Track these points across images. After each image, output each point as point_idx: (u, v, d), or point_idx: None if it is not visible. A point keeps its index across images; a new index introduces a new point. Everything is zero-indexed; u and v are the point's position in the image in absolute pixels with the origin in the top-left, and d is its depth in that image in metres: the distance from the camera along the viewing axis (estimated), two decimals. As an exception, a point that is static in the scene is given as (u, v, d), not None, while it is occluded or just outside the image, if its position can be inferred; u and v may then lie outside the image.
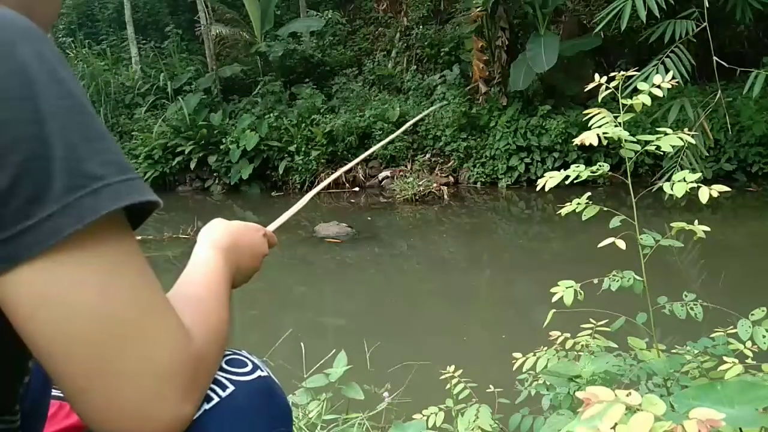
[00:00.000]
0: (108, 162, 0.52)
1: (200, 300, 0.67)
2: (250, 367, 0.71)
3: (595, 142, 1.27)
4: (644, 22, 5.52)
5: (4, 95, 0.48)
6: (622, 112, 1.35)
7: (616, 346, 1.54)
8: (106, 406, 0.52)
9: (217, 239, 0.81)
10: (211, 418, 0.63)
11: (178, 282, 0.71)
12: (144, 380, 0.53)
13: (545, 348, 1.59)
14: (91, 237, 0.50)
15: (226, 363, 0.70)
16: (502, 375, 1.84)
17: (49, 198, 0.48)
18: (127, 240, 0.54)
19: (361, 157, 1.64)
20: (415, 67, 10.55)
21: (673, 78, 1.37)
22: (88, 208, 0.49)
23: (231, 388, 0.67)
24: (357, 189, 9.32)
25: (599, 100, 1.48)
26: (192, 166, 9.89)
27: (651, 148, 1.31)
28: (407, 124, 1.93)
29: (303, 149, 9.42)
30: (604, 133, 1.29)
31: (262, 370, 0.72)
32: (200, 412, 0.62)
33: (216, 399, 0.65)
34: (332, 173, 9.38)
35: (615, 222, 1.39)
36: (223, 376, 0.68)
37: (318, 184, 9.39)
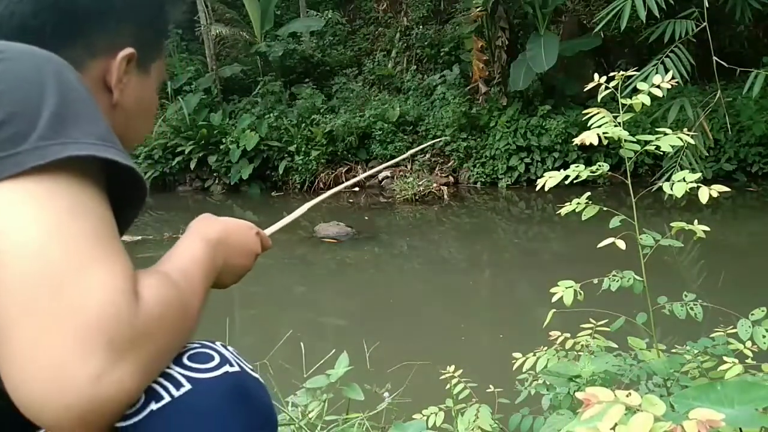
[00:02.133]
0: (89, 133, 0.58)
1: (168, 278, 0.61)
2: (216, 361, 0.63)
3: (595, 142, 1.27)
4: (644, 22, 5.52)
5: (21, 82, 0.57)
6: (621, 112, 1.35)
7: (616, 346, 1.54)
8: (26, 352, 0.49)
9: (206, 231, 0.77)
10: (157, 420, 0.56)
11: (158, 262, 0.67)
12: (67, 327, 0.50)
13: (545, 348, 1.59)
14: (52, 177, 0.54)
15: (189, 358, 0.62)
16: (502, 375, 1.84)
17: (25, 141, 0.54)
18: (90, 193, 0.57)
19: (369, 172, 1.64)
20: (415, 67, 10.55)
21: (673, 78, 1.37)
22: (54, 151, 0.54)
23: (187, 386, 0.59)
24: (357, 189, 9.31)
25: (599, 100, 1.48)
26: (192, 166, 9.88)
27: (651, 148, 1.31)
28: (416, 149, 1.93)
29: (303, 149, 9.42)
30: (603, 133, 1.29)
31: (231, 365, 0.64)
32: (146, 413, 0.56)
33: (167, 398, 0.58)
34: (332, 173, 9.41)
35: (615, 222, 1.39)
36: (179, 372, 0.60)
37: (318, 184, 9.41)
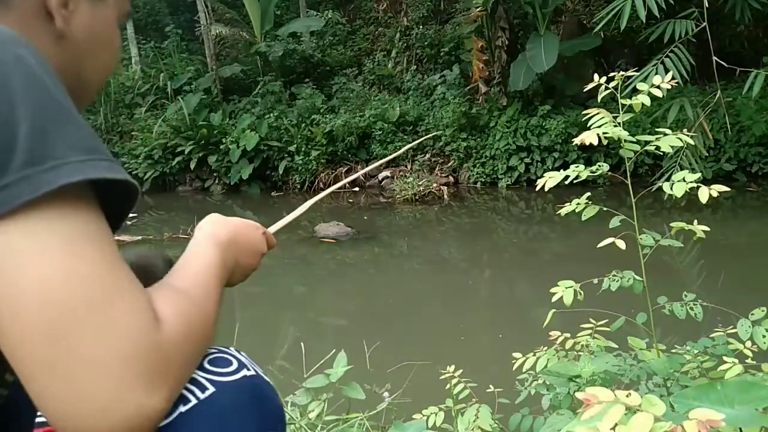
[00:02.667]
0: (75, 146, 0.52)
1: (183, 291, 0.62)
2: (234, 366, 0.67)
3: (595, 142, 1.27)
4: (644, 21, 5.52)
5: None
6: (621, 112, 1.35)
7: (616, 346, 1.53)
8: (65, 394, 0.49)
9: (216, 233, 0.76)
10: (186, 421, 0.59)
11: (169, 272, 0.67)
12: (103, 365, 0.49)
13: (545, 348, 1.59)
14: (48, 210, 0.49)
15: (209, 362, 0.65)
16: (502, 375, 1.84)
17: (8, 171, 0.48)
18: (90, 218, 0.53)
19: (371, 167, 1.64)
20: (415, 67, 10.55)
21: (673, 78, 1.37)
22: (45, 180, 0.49)
23: (211, 389, 0.62)
24: (357, 189, 9.32)
25: (599, 100, 1.48)
26: (192, 166, 9.89)
27: (650, 148, 1.31)
28: (405, 147, 1.92)
29: (303, 149, 9.42)
30: (603, 133, 1.29)
31: (248, 369, 0.67)
32: (175, 415, 0.58)
33: (193, 401, 0.60)
34: (332, 173, 9.41)
35: (615, 222, 1.39)
36: (202, 376, 0.63)
37: (318, 184, 9.41)
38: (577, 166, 1.39)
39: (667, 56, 5.23)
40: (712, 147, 6.85)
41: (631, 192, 1.41)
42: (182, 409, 0.59)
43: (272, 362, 2.25)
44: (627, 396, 0.62)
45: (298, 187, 9.48)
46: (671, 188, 1.26)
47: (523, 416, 1.56)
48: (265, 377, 0.70)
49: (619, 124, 1.33)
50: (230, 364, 0.66)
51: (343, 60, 11.38)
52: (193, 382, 0.62)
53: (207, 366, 0.64)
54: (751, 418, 0.69)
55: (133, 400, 0.50)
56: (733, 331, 1.40)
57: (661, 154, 1.61)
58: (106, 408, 0.49)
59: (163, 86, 11.15)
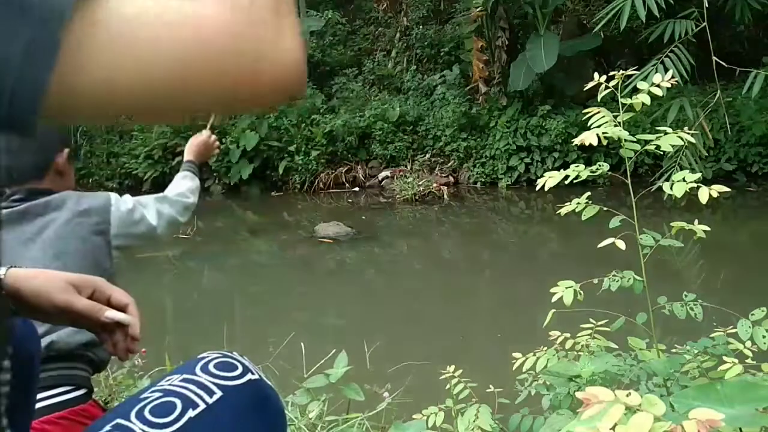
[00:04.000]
0: None
1: None
2: (240, 370, 0.69)
3: (595, 142, 1.27)
4: (644, 21, 5.53)
5: None
6: (621, 112, 1.35)
7: (616, 346, 1.53)
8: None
9: None
10: (197, 424, 0.61)
11: None
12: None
13: (545, 348, 1.59)
14: None
15: (215, 367, 0.68)
16: (502, 375, 1.84)
17: None
18: None
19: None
20: (415, 67, 10.55)
21: (673, 78, 1.37)
22: None
23: (219, 393, 0.65)
24: (357, 189, 9.32)
25: (599, 99, 1.48)
26: (192, 166, 9.89)
27: (651, 147, 1.31)
28: None
29: (303, 149, 9.42)
30: (603, 133, 1.29)
31: (253, 374, 0.70)
32: (185, 419, 0.60)
33: (202, 405, 0.63)
34: (332, 173, 9.41)
35: (615, 222, 1.39)
36: (210, 381, 0.65)
37: (318, 183, 9.40)
38: (577, 166, 1.39)
39: (667, 56, 5.24)
40: (712, 147, 6.85)
41: (631, 192, 1.41)
42: (191, 414, 0.61)
43: (272, 362, 2.25)
44: (627, 396, 0.62)
45: (298, 187, 9.47)
46: (671, 188, 1.26)
47: (523, 416, 1.56)
48: (267, 380, 0.72)
49: (619, 123, 1.33)
50: (236, 368, 0.69)
51: (343, 60, 11.38)
52: (201, 386, 0.64)
53: (213, 371, 0.67)
54: (751, 418, 0.69)
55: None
56: (733, 331, 1.39)
57: (661, 154, 1.62)
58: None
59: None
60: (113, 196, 1.44)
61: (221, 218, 8.27)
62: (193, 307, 4.72)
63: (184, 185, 1.69)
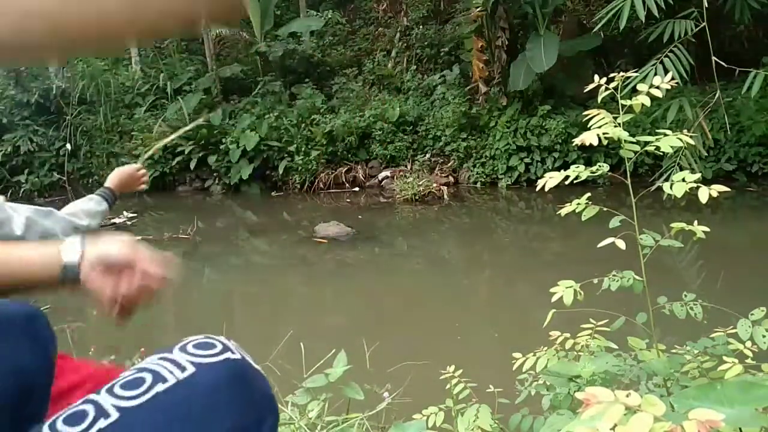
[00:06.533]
0: None
1: None
2: (218, 348, 0.67)
3: (595, 142, 1.27)
4: (643, 21, 5.53)
5: None
6: (621, 113, 1.35)
7: (616, 346, 1.53)
8: None
9: None
10: (165, 398, 0.60)
11: None
12: None
13: (545, 348, 1.59)
14: None
15: (194, 346, 0.66)
16: (502, 375, 1.84)
17: None
18: None
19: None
20: (415, 67, 10.55)
21: (672, 78, 1.37)
22: None
23: (191, 369, 0.63)
24: (357, 189, 9.32)
25: (599, 100, 1.48)
26: (192, 166, 9.89)
27: (650, 148, 1.31)
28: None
29: (303, 149, 9.42)
30: (603, 134, 1.29)
31: (233, 353, 0.67)
32: (153, 393, 0.59)
33: (172, 380, 0.61)
34: (332, 173, 9.41)
35: (615, 222, 1.39)
36: (185, 359, 0.64)
37: (318, 183, 9.40)
38: (577, 166, 1.39)
39: (667, 56, 5.23)
40: (712, 147, 6.85)
41: (631, 192, 1.41)
42: (160, 388, 0.60)
43: (272, 362, 2.25)
44: (627, 396, 0.62)
45: (298, 187, 9.47)
46: (671, 188, 1.26)
47: (523, 416, 1.56)
48: (255, 365, 0.70)
49: (619, 124, 1.33)
50: (214, 347, 0.67)
51: (343, 60, 11.38)
52: (175, 363, 0.63)
53: (190, 349, 0.65)
54: (751, 418, 0.69)
55: None
56: (733, 331, 1.40)
57: (661, 154, 1.62)
58: None
59: (163, 86, 11.14)
60: None
61: (221, 218, 8.27)
62: (192, 307, 4.72)
63: (82, 206, 1.59)
